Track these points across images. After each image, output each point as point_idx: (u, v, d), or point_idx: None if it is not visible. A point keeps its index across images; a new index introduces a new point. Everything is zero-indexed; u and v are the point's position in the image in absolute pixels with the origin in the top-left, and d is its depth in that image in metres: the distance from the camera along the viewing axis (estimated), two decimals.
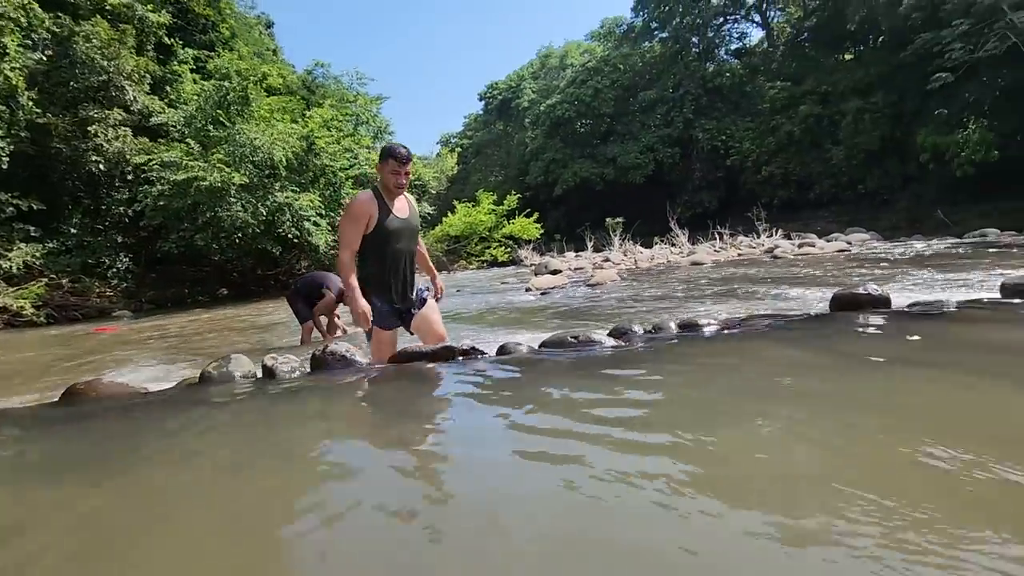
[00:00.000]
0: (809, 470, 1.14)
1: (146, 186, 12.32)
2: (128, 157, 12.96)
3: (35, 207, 11.79)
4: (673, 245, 15.05)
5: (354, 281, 2.75)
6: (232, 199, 12.39)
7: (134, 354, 5.50)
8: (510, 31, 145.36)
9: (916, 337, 2.26)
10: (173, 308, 12.62)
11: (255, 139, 12.75)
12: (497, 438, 1.53)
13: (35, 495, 1.33)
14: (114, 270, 13.19)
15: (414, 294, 2.94)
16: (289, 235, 13.36)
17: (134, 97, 13.55)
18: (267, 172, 13.22)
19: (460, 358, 2.58)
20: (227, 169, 12.23)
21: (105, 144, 12.71)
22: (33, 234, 11.94)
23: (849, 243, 13.06)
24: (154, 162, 12.28)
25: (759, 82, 29.67)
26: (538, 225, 21.59)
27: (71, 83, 12.61)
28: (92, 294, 12.30)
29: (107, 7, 13.64)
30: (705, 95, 30.65)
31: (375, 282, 2.82)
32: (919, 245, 11.52)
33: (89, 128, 12.55)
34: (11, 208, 11.49)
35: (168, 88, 15.13)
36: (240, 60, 14.81)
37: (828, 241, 13.23)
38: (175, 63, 15.74)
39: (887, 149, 21.70)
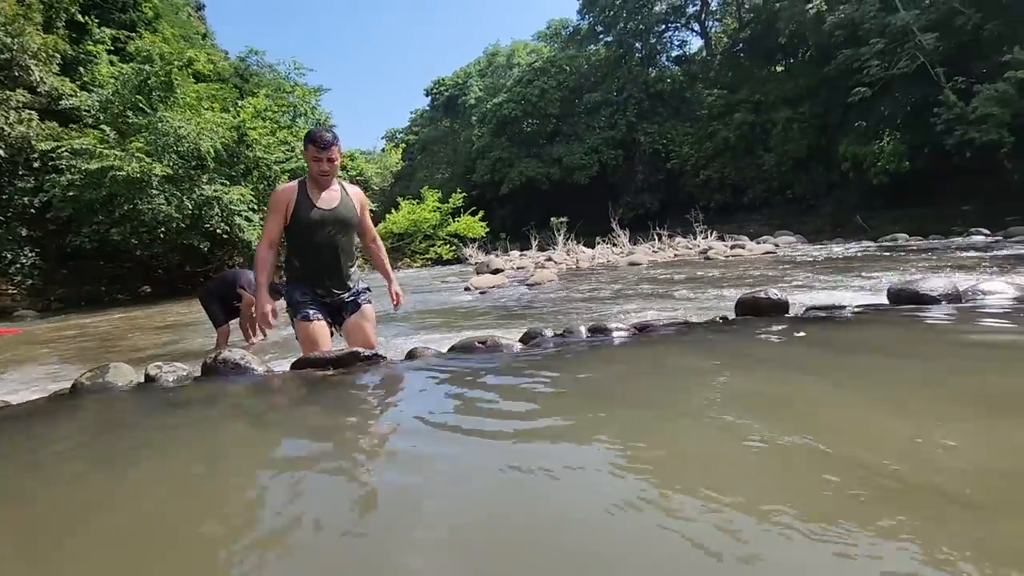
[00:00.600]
0: (646, 465, 1.14)
1: (54, 175, 11.38)
2: (34, 143, 11.95)
3: None
4: (615, 245, 15.39)
5: (264, 278, 2.62)
6: (154, 191, 11.65)
7: (19, 358, 5.04)
8: (458, 28, 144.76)
9: (802, 334, 2.41)
10: (87, 307, 11.73)
11: (180, 128, 12.02)
12: (371, 447, 1.46)
13: None
14: (17, 266, 12.15)
15: (347, 293, 2.80)
16: (218, 230, 12.71)
17: (40, 78, 12.51)
18: (194, 163, 12.51)
19: (362, 363, 2.48)
20: (148, 159, 11.48)
21: (7, 128, 11.67)
22: None
23: (776, 245, 13.75)
24: (63, 149, 11.36)
25: (698, 89, 30.79)
26: (484, 224, 21.58)
27: None
28: None
29: None
30: (647, 99, 31.50)
31: (296, 274, 2.76)
32: (838, 248, 12.29)
33: None
34: None
35: (82, 70, 14.03)
36: (165, 43, 13.88)
37: (758, 243, 13.87)
38: (90, 43, 14.60)
39: (813, 157, 23.04)
